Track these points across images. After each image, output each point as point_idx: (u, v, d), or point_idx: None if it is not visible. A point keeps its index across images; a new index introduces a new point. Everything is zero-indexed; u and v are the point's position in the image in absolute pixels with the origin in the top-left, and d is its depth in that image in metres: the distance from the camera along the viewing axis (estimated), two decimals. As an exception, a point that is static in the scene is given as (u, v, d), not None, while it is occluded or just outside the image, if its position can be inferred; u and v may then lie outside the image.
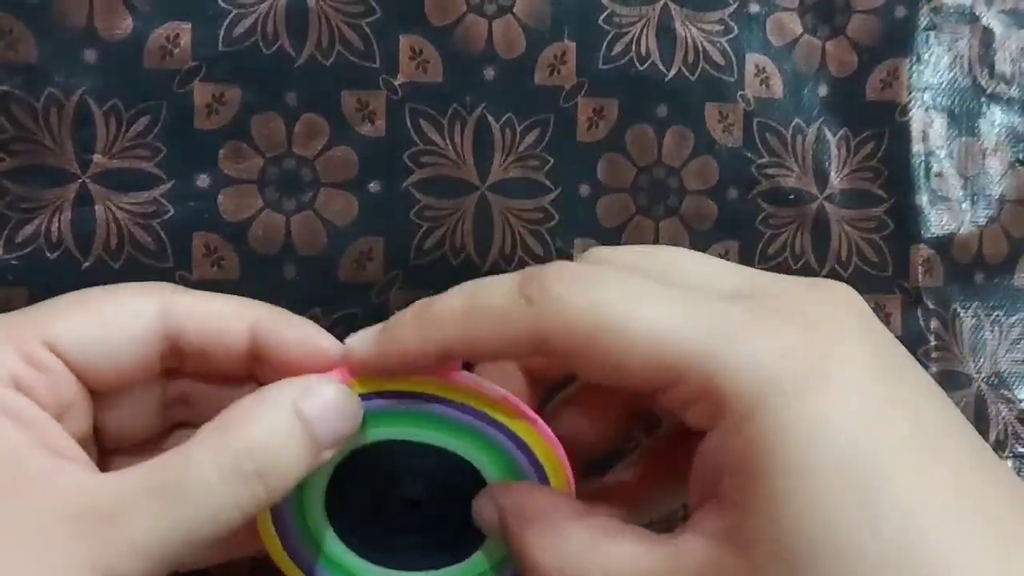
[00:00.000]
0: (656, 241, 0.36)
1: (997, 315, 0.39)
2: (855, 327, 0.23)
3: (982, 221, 0.38)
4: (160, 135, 0.32)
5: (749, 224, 0.36)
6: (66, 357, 0.24)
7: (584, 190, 0.35)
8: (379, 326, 0.25)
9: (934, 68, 0.38)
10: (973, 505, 0.21)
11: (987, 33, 0.39)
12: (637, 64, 0.35)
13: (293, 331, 0.26)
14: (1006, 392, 0.38)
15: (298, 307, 0.33)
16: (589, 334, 0.22)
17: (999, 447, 0.38)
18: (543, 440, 0.25)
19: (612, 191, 0.36)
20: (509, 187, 0.35)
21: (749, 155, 0.36)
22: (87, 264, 0.32)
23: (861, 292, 0.24)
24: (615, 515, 0.25)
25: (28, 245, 0.32)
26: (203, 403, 0.27)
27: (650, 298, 0.23)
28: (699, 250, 0.36)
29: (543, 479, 0.26)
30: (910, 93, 0.38)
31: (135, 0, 0.32)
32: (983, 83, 0.39)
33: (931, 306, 0.38)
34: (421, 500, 0.26)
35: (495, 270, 0.34)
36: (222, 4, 0.33)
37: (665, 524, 0.26)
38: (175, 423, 0.27)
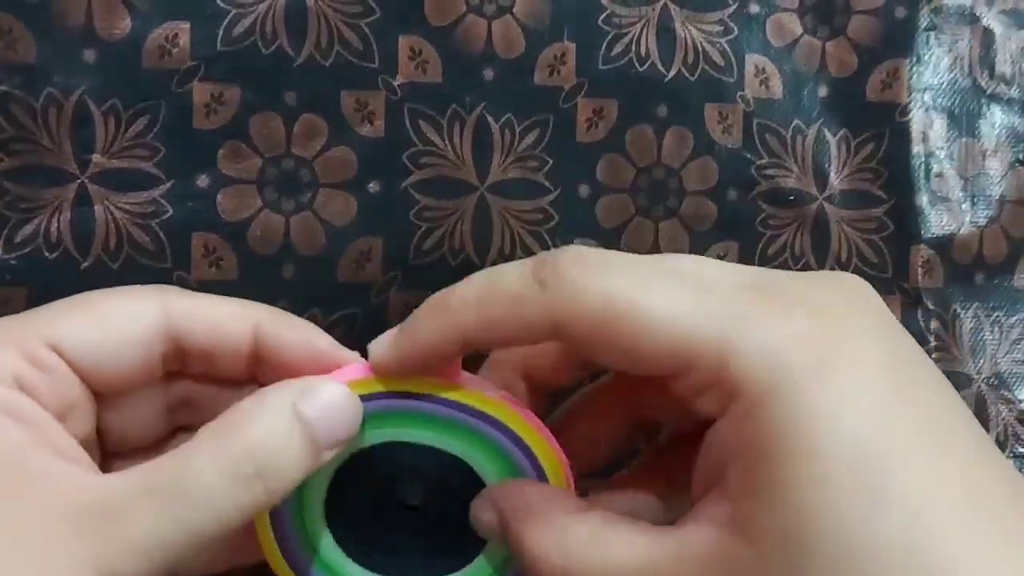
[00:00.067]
0: (656, 242, 0.36)
1: (997, 316, 0.39)
2: (867, 316, 0.23)
3: (982, 222, 0.38)
4: (159, 135, 0.32)
5: (749, 225, 0.36)
6: (69, 358, 0.24)
7: (584, 191, 0.35)
8: (397, 327, 0.25)
9: (934, 69, 0.38)
10: (979, 503, 0.21)
11: (987, 34, 0.39)
12: (637, 65, 0.35)
13: (294, 333, 0.26)
14: (1006, 393, 0.38)
15: (297, 307, 0.33)
16: (602, 318, 0.22)
17: (999, 447, 0.38)
18: (542, 439, 0.25)
19: (612, 192, 0.36)
20: (508, 188, 0.35)
21: (749, 156, 0.36)
22: (86, 264, 0.32)
23: (861, 292, 0.24)
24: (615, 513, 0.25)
25: (27, 245, 0.32)
26: (206, 406, 0.27)
27: (664, 284, 0.23)
28: (699, 251, 0.36)
29: (542, 479, 0.26)
30: (910, 94, 0.37)
31: (134, 0, 0.32)
32: (983, 84, 0.39)
33: (931, 307, 0.38)
34: (420, 504, 0.26)
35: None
36: (221, 4, 0.32)
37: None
38: (178, 426, 0.27)
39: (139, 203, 0.32)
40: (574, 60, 0.35)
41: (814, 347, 0.21)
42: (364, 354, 0.26)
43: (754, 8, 0.37)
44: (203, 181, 0.33)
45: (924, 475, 0.20)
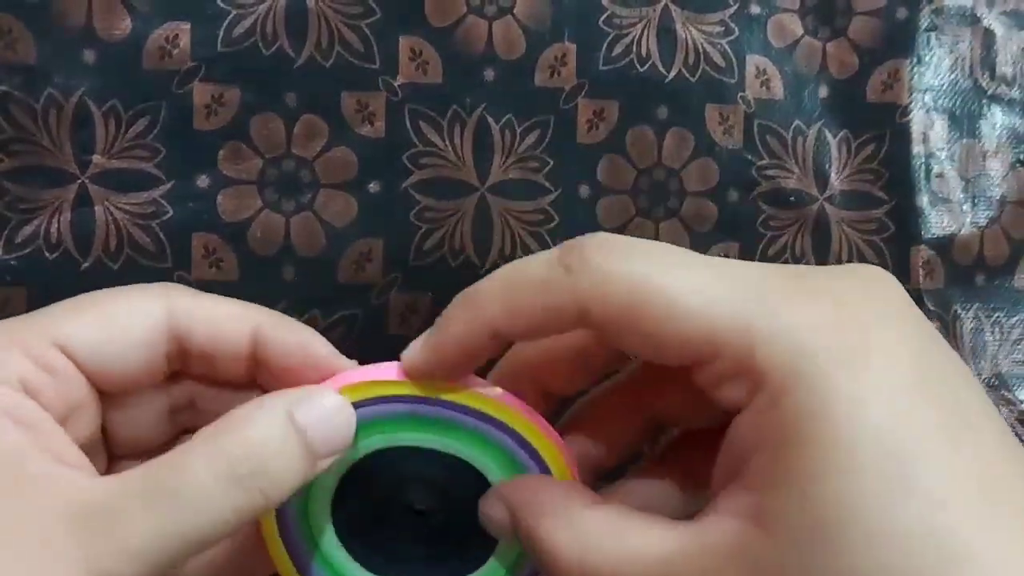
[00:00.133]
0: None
1: (998, 316, 0.39)
2: (892, 306, 0.23)
3: (983, 222, 0.38)
4: (159, 136, 0.32)
5: (749, 226, 0.36)
6: (75, 358, 0.24)
7: (584, 191, 0.35)
8: (428, 329, 0.25)
9: (935, 70, 0.38)
10: (1001, 496, 0.20)
11: (988, 34, 0.39)
12: (637, 65, 0.35)
13: (292, 336, 0.26)
14: (1007, 393, 0.38)
15: (297, 308, 0.33)
16: (628, 303, 0.22)
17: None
18: (546, 438, 0.25)
19: (612, 193, 0.35)
20: (509, 188, 0.35)
21: (749, 157, 0.36)
22: (86, 265, 0.32)
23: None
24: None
25: (27, 246, 0.32)
26: (209, 408, 0.27)
27: (690, 270, 0.22)
28: (699, 251, 0.36)
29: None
30: (911, 95, 0.37)
31: (134, 0, 0.32)
32: (984, 85, 0.39)
33: (932, 307, 0.38)
34: (427, 510, 0.26)
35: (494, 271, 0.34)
36: (221, 4, 0.32)
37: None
38: (182, 429, 0.28)
39: (139, 204, 0.32)
40: (575, 61, 0.35)
41: (841, 335, 0.21)
42: (363, 361, 0.26)
43: (755, 9, 0.37)
44: (203, 182, 0.33)
45: (947, 466, 0.20)
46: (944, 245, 0.38)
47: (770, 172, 0.36)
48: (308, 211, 0.33)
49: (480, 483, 0.26)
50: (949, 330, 0.38)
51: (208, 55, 0.32)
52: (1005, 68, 0.39)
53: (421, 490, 0.26)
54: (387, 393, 0.25)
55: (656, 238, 0.36)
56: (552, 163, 0.35)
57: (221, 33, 0.32)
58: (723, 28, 0.36)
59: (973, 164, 0.38)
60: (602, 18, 0.35)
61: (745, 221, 0.36)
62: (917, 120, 0.38)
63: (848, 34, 0.37)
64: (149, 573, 0.21)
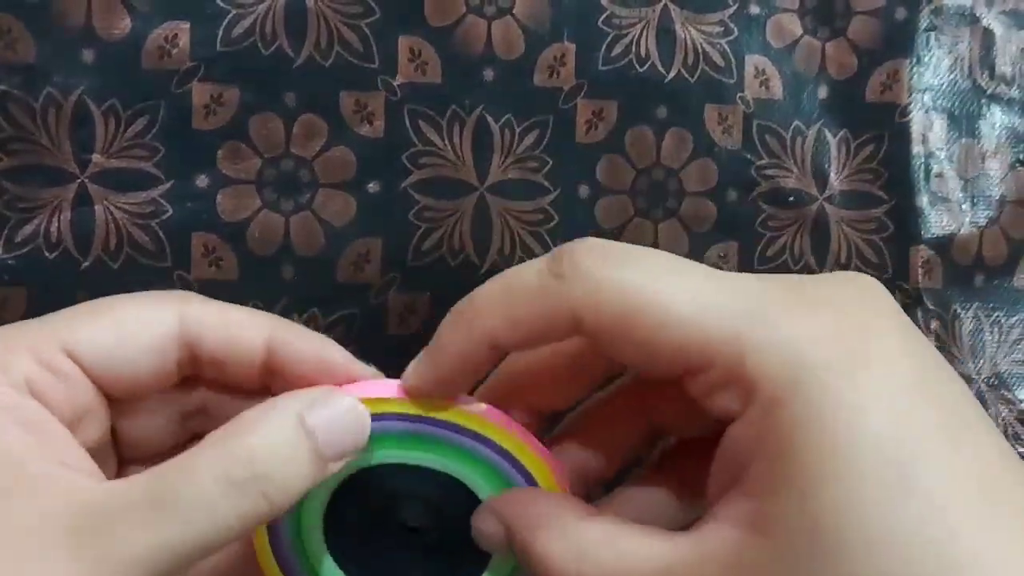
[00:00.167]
0: (656, 243, 0.36)
1: (997, 316, 0.39)
2: (885, 315, 0.23)
3: (982, 222, 0.38)
4: (158, 135, 0.32)
5: (748, 226, 0.36)
6: (84, 363, 0.24)
7: (583, 191, 0.35)
8: (424, 349, 0.25)
9: (934, 70, 0.38)
10: (1001, 498, 0.20)
11: (987, 34, 0.38)
12: (637, 66, 0.35)
13: (306, 344, 0.25)
14: (1006, 393, 0.38)
15: (296, 308, 0.33)
16: (619, 309, 0.22)
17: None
18: (534, 454, 0.25)
19: (611, 193, 0.35)
20: (508, 188, 0.35)
21: (749, 157, 0.36)
22: (86, 264, 0.32)
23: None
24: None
25: (27, 245, 0.32)
26: (220, 414, 0.26)
27: (682, 277, 0.22)
28: (699, 252, 0.36)
29: None
30: (910, 95, 0.37)
31: (134, 0, 0.32)
32: (983, 84, 0.39)
33: (931, 307, 0.38)
34: (419, 527, 0.26)
35: (494, 271, 0.34)
36: (221, 4, 0.33)
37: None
38: (194, 435, 0.27)
39: (139, 203, 0.32)
40: (574, 61, 0.35)
41: (837, 344, 0.21)
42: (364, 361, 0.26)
43: (754, 9, 0.37)
44: (202, 181, 0.33)
45: (947, 471, 0.20)
46: (943, 245, 0.38)
47: (769, 172, 0.36)
48: (307, 211, 0.33)
49: (472, 500, 0.26)
50: (948, 330, 0.38)
51: (207, 55, 0.32)
52: (1004, 68, 0.39)
53: (414, 507, 0.26)
54: (378, 411, 0.25)
55: (655, 238, 0.36)
56: (551, 163, 0.35)
57: (220, 33, 0.33)
58: (722, 28, 0.36)
59: (972, 164, 0.38)
60: (601, 18, 0.35)
61: (744, 221, 0.36)
62: (916, 120, 0.38)
63: (847, 34, 0.37)
64: None
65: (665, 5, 0.36)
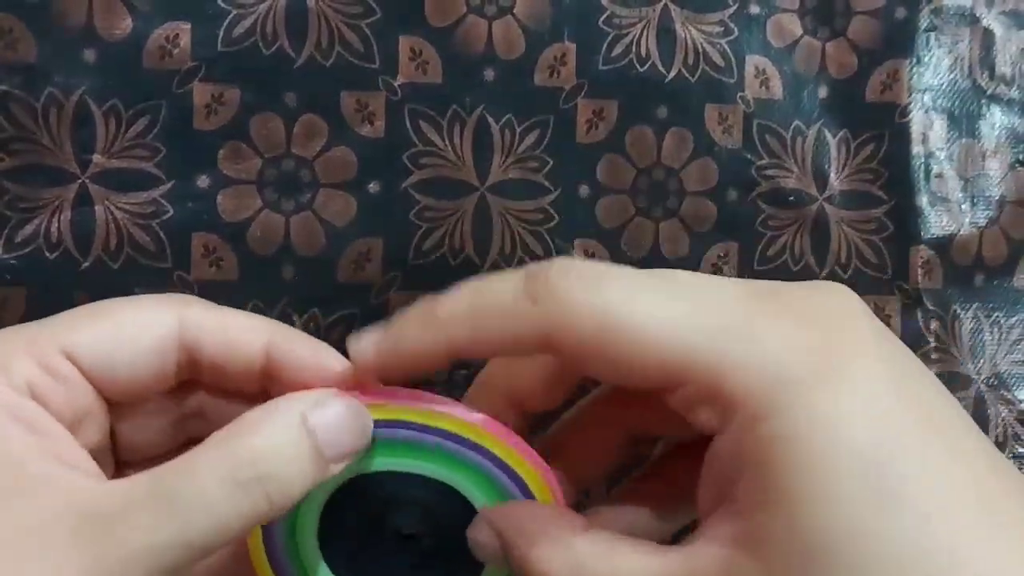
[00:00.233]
0: (656, 242, 0.36)
1: (997, 316, 0.39)
2: (861, 325, 0.23)
3: (982, 222, 0.38)
4: (159, 135, 0.32)
5: (749, 226, 0.36)
6: (83, 366, 0.24)
7: (584, 191, 0.35)
8: (380, 328, 0.25)
9: (934, 70, 0.38)
10: (994, 506, 0.20)
11: (987, 34, 0.39)
12: (637, 65, 0.35)
13: (306, 350, 0.25)
14: (1006, 393, 0.38)
15: (297, 308, 0.33)
16: (594, 332, 0.22)
17: (999, 448, 0.38)
18: (527, 463, 0.25)
19: (612, 192, 0.36)
20: (508, 188, 0.35)
21: (749, 156, 0.36)
22: (86, 264, 0.32)
23: (860, 294, 0.24)
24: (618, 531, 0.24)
25: (27, 245, 0.32)
26: (218, 419, 0.26)
27: (656, 296, 0.22)
28: (699, 252, 0.36)
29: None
30: (910, 95, 0.37)
31: (135, 0, 0.32)
32: (983, 85, 0.39)
33: (931, 307, 0.38)
34: (414, 534, 0.26)
35: (494, 271, 0.34)
36: (222, 4, 0.33)
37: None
38: (192, 438, 0.27)
39: (139, 203, 0.32)
40: (574, 61, 0.35)
41: (814, 356, 0.21)
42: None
43: (754, 9, 0.37)
44: (203, 181, 0.33)
45: (935, 479, 0.20)
46: (943, 245, 0.38)
47: (769, 172, 0.37)
48: (308, 211, 0.33)
49: (467, 509, 0.26)
50: (948, 330, 0.38)
51: (208, 55, 0.32)
52: (1004, 68, 0.39)
53: (409, 514, 0.26)
54: (375, 417, 0.25)
55: (656, 238, 0.36)
56: (552, 163, 0.35)
57: (221, 33, 0.33)
58: (722, 28, 0.36)
59: (972, 164, 0.38)
60: (602, 18, 0.35)
61: (744, 221, 0.36)
62: (916, 120, 0.38)
63: (847, 34, 0.37)
64: None
65: (665, 5, 0.36)
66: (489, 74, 0.34)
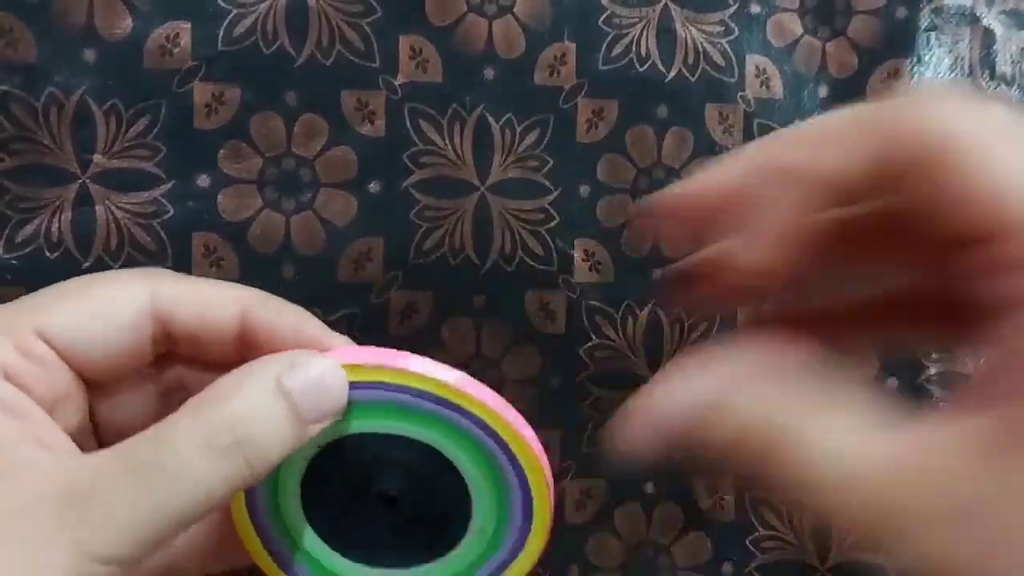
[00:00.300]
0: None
1: None
2: None
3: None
4: (160, 135, 0.32)
5: (749, 225, 0.36)
6: (58, 346, 0.24)
7: (584, 191, 0.35)
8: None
9: (935, 69, 0.38)
10: None
11: (988, 34, 0.39)
12: (637, 65, 0.35)
13: (283, 317, 0.25)
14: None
15: (297, 307, 0.33)
16: (938, 145, 0.19)
17: None
18: (509, 425, 0.25)
19: (612, 191, 0.36)
20: (509, 187, 0.35)
21: (749, 156, 0.36)
22: (87, 264, 0.32)
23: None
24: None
25: (28, 245, 0.32)
26: (200, 390, 0.26)
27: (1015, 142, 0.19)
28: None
29: (517, 469, 0.26)
30: (911, 94, 0.37)
31: (135, 0, 0.32)
32: (984, 84, 0.39)
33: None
34: (397, 496, 0.26)
35: (495, 270, 0.34)
36: (222, 3, 0.33)
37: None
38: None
39: (140, 203, 0.32)
40: (574, 60, 0.35)
41: None
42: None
43: (755, 8, 0.37)
44: (204, 181, 0.33)
45: None
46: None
47: (770, 171, 0.36)
48: (308, 210, 0.33)
49: (449, 469, 0.26)
50: None
51: (208, 54, 0.32)
52: (1005, 68, 0.39)
53: (391, 476, 0.26)
54: (353, 379, 0.25)
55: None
56: (552, 162, 0.35)
57: (221, 32, 0.33)
58: (723, 28, 0.36)
59: (973, 163, 0.38)
60: (602, 18, 0.35)
61: (745, 220, 0.36)
62: (917, 119, 0.38)
63: (848, 34, 0.37)
64: (138, 550, 0.21)
65: (665, 5, 0.36)
66: (489, 73, 0.34)
